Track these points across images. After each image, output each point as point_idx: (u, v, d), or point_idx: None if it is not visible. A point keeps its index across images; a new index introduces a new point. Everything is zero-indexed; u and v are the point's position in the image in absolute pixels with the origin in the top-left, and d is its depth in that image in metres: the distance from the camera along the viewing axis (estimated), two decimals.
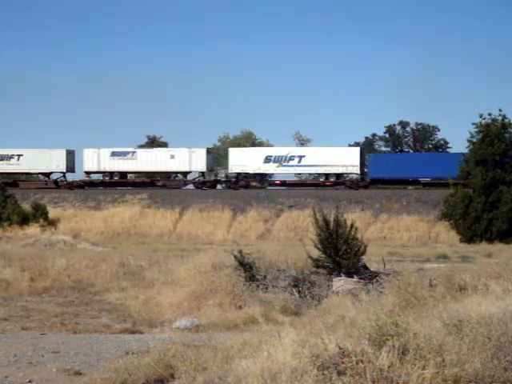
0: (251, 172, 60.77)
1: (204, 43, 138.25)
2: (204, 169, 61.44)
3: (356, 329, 8.63)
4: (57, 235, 42.07)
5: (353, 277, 19.27)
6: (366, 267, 20.56)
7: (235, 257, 19.36)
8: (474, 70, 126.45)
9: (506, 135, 48.97)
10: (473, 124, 49.21)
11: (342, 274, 19.40)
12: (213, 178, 63.94)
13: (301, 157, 59.71)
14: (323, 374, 7.51)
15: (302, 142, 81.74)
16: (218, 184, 63.05)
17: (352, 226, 20.39)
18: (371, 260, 22.66)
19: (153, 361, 9.64)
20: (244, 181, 60.88)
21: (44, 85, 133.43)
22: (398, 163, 58.17)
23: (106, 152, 62.53)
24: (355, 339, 8.12)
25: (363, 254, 20.45)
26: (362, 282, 18.88)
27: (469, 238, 47.63)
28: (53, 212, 57.77)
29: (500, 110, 49.34)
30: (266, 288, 18.41)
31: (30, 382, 10.41)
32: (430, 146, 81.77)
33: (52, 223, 56.55)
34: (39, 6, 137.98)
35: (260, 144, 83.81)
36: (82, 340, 13.91)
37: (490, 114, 49.01)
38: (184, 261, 22.80)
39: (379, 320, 8.29)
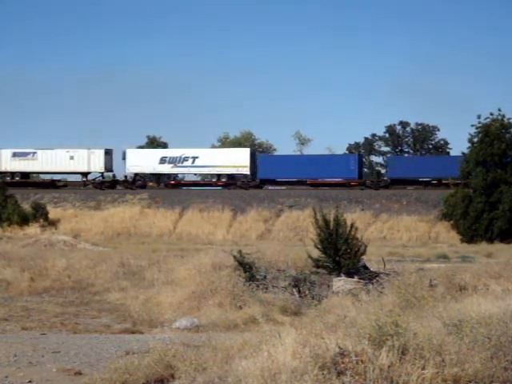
0: (147, 172, 63.67)
1: (204, 43, 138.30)
2: (102, 169, 63.37)
3: (356, 329, 8.63)
4: (57, 235, 42.06)
5: (353, 277, 19.27)
6: (366, 267, 20.56)
7: (235, 257, 19.37)
8: (474, 70, 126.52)
9: (507, 135, 48.94)
10: (472, 125, 49.35)
11: (342, 274, 19.40)
12: (111, 178, 65.40)
13: (194, 158, 61.98)
14: (323, 374, 7.51)
15: (303, 142, 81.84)
16: (118, 184, 64.63)
17: (352, 225, 20.39)
18: (371, 260, 22.67)
19: (153, 361, 9.64)
20: (141, 181, 63.45)
21: (42, 83, 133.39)
22: (286, 164, 60.38)
23: (7, 153, 63.87)
24: (355, 339, 8.12)
25: (363, 254, 20.45)
26: (362, 282, 18.88)
27: (469, 238, 47.63)
28: (53, 212, 57.79)
29: (499, 110, 49.40)
30: (266, 288, 18.41)
31: (29, 382, 10.41)
32: (430, 147, 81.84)
33: (52, 223, 56.57)
34: (39, 3, 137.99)
35: (260, 144, 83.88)
36: (82, 340, 13.91)
37: (492, 114, 49.05)
38: (184, 261, 22.80)
39: (379, 320, 8.29)
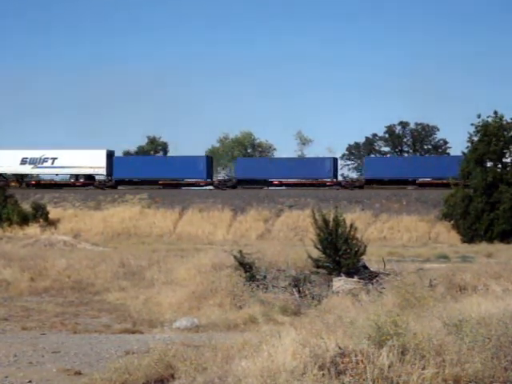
0: (9, 173, 65.66)
1: (204, 43, 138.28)
2: None
3: (356, 329, 8.62)
4: (57, 235, 42.07)
5: (353, 277, 19.26)
6: (365, 267, 20.55)
7: (235, 257, 19.37)
8: (474, 70, 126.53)
9: (505, 133, 48.91)
10: (472, 124, 49.32)
11: (342, 274, 19.39)
12: None
13: (54, 159, 63.94)
14: (323, 374, 7.51)
15: (304, 143, 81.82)
16: None
17: (352, 225, 20.38)
18: (371, 260, 22.65)
19: (153, 361, 9.64)
20: (3, 181, 64.14)
21: (42, 85, 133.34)
22: (141, 165, 63.43)
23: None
24: (355, 339, 8.11)
25: (363, 254, 20.43)
26: (362, 282, 18.88)
27: (469, 238, 47.63)
28: (53, 212, 57.82)
29: (495, 113, 49.40)
30: (266, 288, 18.40)
31: (29, 382, 10.40)
32: (430, 147, 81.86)
33: (52, 223, 56.60)
34: (40, 5, 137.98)
35: (260, 145, 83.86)
36: (82, 340, 13.91)
37: (495, 113, 49.04)
38: (184, 261, 22.81)
39: (379, 320, 8.29)
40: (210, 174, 63.81)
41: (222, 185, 62.64)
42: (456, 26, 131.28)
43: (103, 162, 63.13)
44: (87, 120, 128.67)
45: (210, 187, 63.07)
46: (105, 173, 63.49)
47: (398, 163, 62.37)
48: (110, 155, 64.41)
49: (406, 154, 79.45)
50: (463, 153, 51.43)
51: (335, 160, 63.33)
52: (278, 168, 61.33)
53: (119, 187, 63.65)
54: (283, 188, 62.75)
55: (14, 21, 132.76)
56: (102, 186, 63.54)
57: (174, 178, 62.52)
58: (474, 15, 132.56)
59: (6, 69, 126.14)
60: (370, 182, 59.59)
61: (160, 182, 62.71)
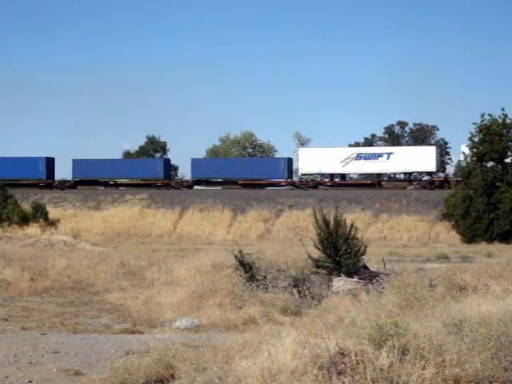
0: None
1: (204, 44, 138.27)
2: None
3: (356, 329, 8.62)
4: (57, 235, 42.10)
5: (353, 277, 19.26)
6: (366, 267, 20.56)
7: (236, 257, 19.37)
8: (473, 70, 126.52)
9: (509, 134, 48.84)
10: (474, 124, 49.22)
11: (342, 274, 19.39)
12: None
13: None
14: (323, 374, 7.51)
15: (303, 143, 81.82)
16: None
17: (352, 225, 20.39)
18: (371, 260, 22.66)
19: (153, 361, 9.64)
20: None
21: (42, 85, 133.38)
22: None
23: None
24: (355, 339, 8.11)
25: (363, 254, 20.44)
26: (362, 282, 18.88)
27: (469, 238, 47.61)
28: (53, 212, 57.80)
29: (503, 109, 49.27)
30: (266, 288, 18.41)
31: (29, 382, 10.40)
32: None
33: (52, 223, 56.58)
34: (39, 9, 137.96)
35: (261, 145, 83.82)
36: (82, 340, 13.90)
37: (490, 115, 48.95)
38: (184, 261, 22.80)
39: (379, 320, 8.29)
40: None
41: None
42: (456, 26, 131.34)
43: None
44: (87, 120, 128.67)
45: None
46: None
47: (223, 164, 65.26)
48: None
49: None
50: (463, 153, 51.33)
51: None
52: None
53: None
54: (283, 188, 62.84)
55: (14, 21, 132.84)
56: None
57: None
58: (474, 15, 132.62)
59: (7, 69, 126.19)
60: (197, 183, 63.77)
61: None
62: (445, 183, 57.92)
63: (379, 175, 63.04)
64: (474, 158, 49.16)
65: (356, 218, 32.36)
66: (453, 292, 16.44)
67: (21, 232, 53.37)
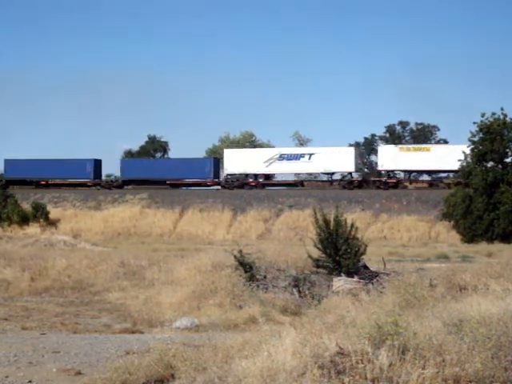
0: None
1: (204, 43, 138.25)
2: None
3: (356, 328, 8.62)
4: (57, 235, 42.05)
5: (353, 277, 19.26)
6: (366, 267, 20.55)
7: (235, 257, 19.36)
8: (473, 70, 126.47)
9: (510, 134, 48.78)
10: (474, 123, 49.13)
11: (342, 274, 19.39)
12: None
13: None
14: (323, 373, 7.51)
15: (302, 143, 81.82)
16: None
17: (352, 225, 20.38)
18: (371, 260, 22.65)
19: (153, 361, 9.63)
20: None
21: (41, 83, 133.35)
22: None
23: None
24: (355, 339, 8.11)
25: (363, 253, 20.44)
26: (362, 282, 18.88)
27: (469, 238, 47.57)
28: (53, 212, 57.82)
29: (502, 109, 49.22)
30: (266, 288, 18.40)
31: (30, 382, 10.39)
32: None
33: (52, 223, 56.60)
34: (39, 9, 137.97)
35: (260, 145, 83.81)
36: (82, 340, 13.90)
37: (493, 114, 48.83)
38: (184, 261, 22.79)
39: (379, 320, 8.28)
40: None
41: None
42: (456, 25, 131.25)
43: None
44: (87, 120, 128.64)
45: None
46: None
47: (151, 165, 66.22)
48: None
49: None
50: (463, 152, 51.20)
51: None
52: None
53: None
54: (283, 188, 62.92)
55: (13, 21, 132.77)
56: None
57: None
58: (474, 16, 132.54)
59: (6, 69, 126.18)
60: (127, 183, 65.05)
61: None
62: (363, 183, 60.40)
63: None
64: (474, 158, 49.12)
65: (356, 218, 32.38)
66: (453, 292, 16.42)
67: (21, 232, 53.39)
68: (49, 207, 57.97)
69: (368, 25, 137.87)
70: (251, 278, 18.69)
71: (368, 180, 61.42)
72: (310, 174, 66.75)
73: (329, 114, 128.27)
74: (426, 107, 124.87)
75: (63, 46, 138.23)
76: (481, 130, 48.74)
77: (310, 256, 20.05)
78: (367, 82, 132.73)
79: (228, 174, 63.33)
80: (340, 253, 19.81)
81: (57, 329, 15.68)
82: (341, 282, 18.83)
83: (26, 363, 11.55)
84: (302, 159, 60.81)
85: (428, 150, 60.01)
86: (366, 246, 20.64)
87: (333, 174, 61.30)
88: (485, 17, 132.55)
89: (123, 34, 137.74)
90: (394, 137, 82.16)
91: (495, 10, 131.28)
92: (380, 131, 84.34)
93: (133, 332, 15.16)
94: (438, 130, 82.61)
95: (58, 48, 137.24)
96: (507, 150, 49.25)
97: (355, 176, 61.53)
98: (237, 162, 62.28)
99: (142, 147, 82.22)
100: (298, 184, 63.58)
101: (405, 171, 60.48)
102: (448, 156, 55.13)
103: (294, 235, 49.52)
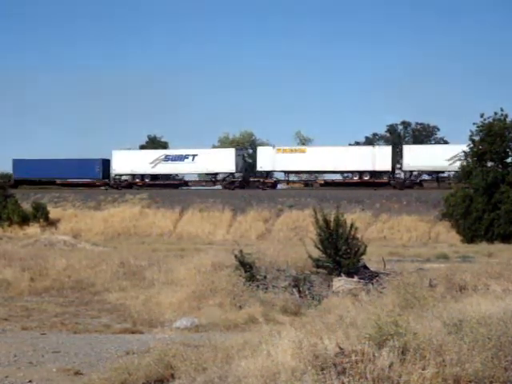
0: None
1: (205, 43, 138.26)
2: None
3: (356, 329, 8.62)
4: (57, 235, 42.04)
5: (353, 277, 19.25)
6: (366, 267, 20.55)
7: (235, 256, 19.35)
8: (474, 70, 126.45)
9: (510, 134, 48.72)
10: (474, 124, 49.09)
11: (342, 274, 19.39)
12: None
13: None
14: (323, 373, 7.50)
15: (303, 142, 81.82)
16: None
17: (352, 225, 20.37)
18: (371, 260, 22.65)
19: (153, 361, 9.63)
20: None
21: (42, 85, 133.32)
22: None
23: None
24: (355, 339, 8.11)
25: (363, 253, 20.42)
26: (362, 282, 18.87)
27: (469, 238, 47.51)
28: (53, 212, 57.80)
29: (502, 110, 49.17)
30: (266, 288, 18.40)
31: (30, 381, 10.40)
32: None
33: (52, 223, 56.58)
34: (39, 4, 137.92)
35: (260, 145, 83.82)
36: (82, 340, 13.90)
37: (496, 113, 48.76)
38: (184, 261, 22.79)
39: (379, 320, 8.28)
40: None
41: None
42: (456, 25, 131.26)
43: None
44: (86, 120, 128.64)
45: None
46: None
47: (44, 165, 66.10)
48: None
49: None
50: (464, 151, 51.18)
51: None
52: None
53: None
54: (283, 188, 62.97)
55: (13, 21, 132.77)
56: None
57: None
58: (474, 16, 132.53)
59: (6, 69, 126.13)
60: (20, 183, 65.61)
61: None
62: (244, 183, 62.62)
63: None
64: (475, 158, 49.09)
65: (356, 218, 32.41)
66: (453, 292, 16.42)
67: (21, 232, 53.39)
68: (49, 207, 57.97)
69: (368, 26, 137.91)
70: (251, 278, 18.69)
71: (248, 180, 63.72)
72: (195, 175, 68.49)
73: (330, 113, 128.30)
74: (426, 107, 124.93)
75: (67, 47, 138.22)
76: (481, 130, 48.70)
77: (310, 256, 20.04)
78: (367, 82, 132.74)
79: (116, 175, 65.36)
80: (340, 253, 19.80)
81: (57, 329, 15.68)
82: (341, 282, 18.83)
83: (26, 363, 11.55)
84: (186, 160, 63.36)
85: (304, 151, 62.69)
86: (366, 246, 20.63)
87: (216, 174, 63.44)
88: (485, 16, 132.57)
89: (123, 34, 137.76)
90: (394, 136, 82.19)
91: (495, 10, 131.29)
92: (381, 130, 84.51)
93: (133, 332, 15.17)
94: (438, 130, 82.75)
95: (62, 49, 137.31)
96: (507, 150, 49.21)
97: (237, 176, 63.07)
98: (124, 162, 64.42)
99: (141, 147, 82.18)
100: (183, 184, 66.12)
101: (283, 172, 62.87)
102: (324, 157, 59.11)
103: (294, 235, 49.48)
